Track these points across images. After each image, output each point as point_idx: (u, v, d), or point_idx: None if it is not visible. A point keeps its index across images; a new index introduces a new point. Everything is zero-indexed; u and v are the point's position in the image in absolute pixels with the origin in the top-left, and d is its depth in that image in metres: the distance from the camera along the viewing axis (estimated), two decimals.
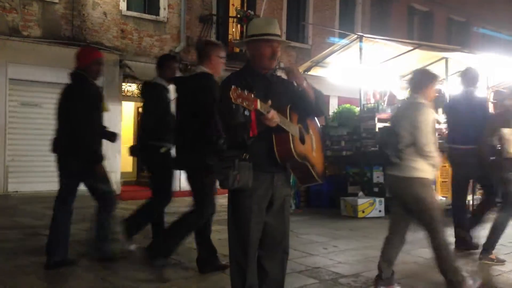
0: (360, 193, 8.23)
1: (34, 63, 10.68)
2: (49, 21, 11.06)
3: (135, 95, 12.47)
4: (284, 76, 3.03)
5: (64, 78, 11.73)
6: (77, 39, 11.35)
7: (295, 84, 2.89)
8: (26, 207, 8.76)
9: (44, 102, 10.97)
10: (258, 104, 2.43)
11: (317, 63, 11.07)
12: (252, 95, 2.42)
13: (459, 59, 9.65)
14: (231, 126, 2.69)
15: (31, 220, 7.29)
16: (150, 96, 4.97)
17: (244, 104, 2.40)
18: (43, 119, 10.91)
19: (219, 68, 4.23)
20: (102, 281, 4.08)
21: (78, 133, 4.35)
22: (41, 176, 10.77)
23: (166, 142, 4.77)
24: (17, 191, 10.37)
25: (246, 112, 2.48)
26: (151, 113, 4.91)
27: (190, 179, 4.22)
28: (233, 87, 2.41)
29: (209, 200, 4.18)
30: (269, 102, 2.56)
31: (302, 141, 2.86)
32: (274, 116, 2.53)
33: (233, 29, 13.78)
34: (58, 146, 4.60)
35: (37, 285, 3.95)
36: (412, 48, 9.91)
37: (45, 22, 11.00)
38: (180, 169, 4.48)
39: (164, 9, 12.72)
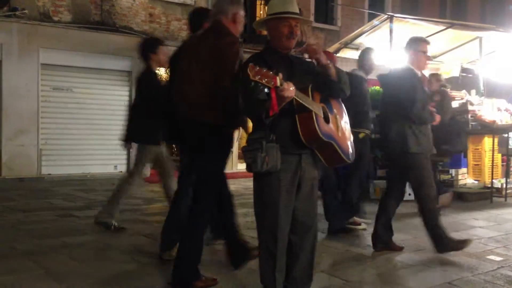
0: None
1: (65, 48, 10.84)
2: (79, 6, 11.17)
3: (163, 79, 12.52)
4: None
5: (93, 62, 11.91)
6: (106, 23, 11.46)
7: (315, 62, 2.81)
8: (58, 189, 8.97)
9: (74, 86, 11.17)
10: (278, 80, 2.38)
11: (346, 45, 10.89)
12: (271, 72, 2.37)
13: (493, 39, 9.35)
14: (250, 104, 2.65)
15: (63, 202, 7.46)
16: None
17: (263, 81, 2.35)
18: (75, 103, 11.13)
19: (422, 63, 4.59)
20: (132, 262, 4.15)
21: None
22: (73, 160, 11.02)
23: (365, 129, 5.54)
24: (50, 174, 10.62)
25: (266, 90, 2.44)
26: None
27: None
28: (250, 64, 2.37)
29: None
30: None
31: (327, 120, 2.80)
32: (290, 86, 2.46)
33: (261, 12, 13.65)
34: None
35: (70, 265, 4.04)
36: (444, 27, 9.63)
37: (75, 7, 11.13)
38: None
39: None
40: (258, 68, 2.35)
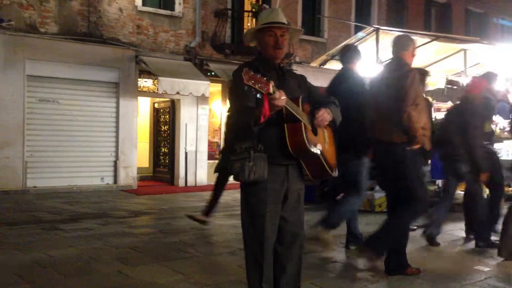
0: (377, 187, 8.15)
1: (51, 60, 10.78)
2: (65, 17, 11.14)
3: (151, 91, 12.52)
4: (299, 71, 3.00)
5: (80, 74, 11.85)
6: (94, 35, 11.43)
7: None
8: (44, 202, 8.86)
9: (61, 98, 11.09)
10: (271, 87, 2.40)
11: (333, 57, 10.97)
12: (265, 78, 2.39)
13: (478, 51, 9.48)
14: (240, 110, 2.68)
15: (49, 215, 7.37)
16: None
17: (257, 86, 2.36)
18: (61, 115, 11.04)
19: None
20: (119, 275, 4.10)
21: None
22: (59, 172, 10.91)
23: None
24: (35, 186, 10.49)
25: (259, 95, 2.46)
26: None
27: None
28: (245, 68, 2.39)
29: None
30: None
31: (315, 132, 2.82)
32: (282, 95, 2.47)
33: (248, 24, 13.73)
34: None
35: (56, 279, 3.98)
36: (429, 40, 9.75)
37: (62, 19, 11.09)
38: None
39: (180, 4, 12.73)
40: (252, 73, 2.36)
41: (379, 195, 7.80)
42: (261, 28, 2.83)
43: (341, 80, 4.95)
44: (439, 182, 8.36)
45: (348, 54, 5.17)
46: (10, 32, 10.33)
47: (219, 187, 5.99)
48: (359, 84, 4.89)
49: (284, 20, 2.87)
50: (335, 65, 11.09)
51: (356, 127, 4.46)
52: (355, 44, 10.15)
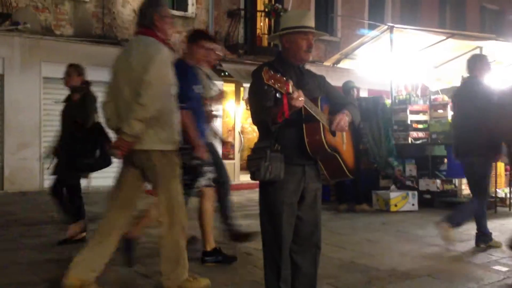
0: (392, 187, 8.11)
1: (67, 61, 10.69)
2: (80, 19, 11.25)
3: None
4: (314, 70, 3.01)
5: (95, 75, 11.95)
6: (108, 36, 11.52)
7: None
8: None
9: None
10: (290, 87, 2.41)
11: (346, 56, 10.93)
12: (284, 78, 2.40)
13: (493, 48, 9.37)
14: (258, 110, 2.70)
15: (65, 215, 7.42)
16: None
17: (276, 86, 2.38)
18: None
19: None
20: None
21: None
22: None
23: None
24: None
25: (278, 95, 2.47)
26: None
27: None
28: (265, 68, 2.40)
29: None
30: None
31: (333, 133, 2.81)
32: (300, 95, 2.48)
33: (261, 23, 13.73)
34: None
35: None
36: (445, 37, 9.67)
37: (77, 21, 11.20)
38: None
39: (192, 5, 12.77)
40: (272, 73, 2.38)
41: (395, 195, 7.76)
42: (296, 31, 2.82)
43: (467, 88, 5.39)
44: (456, 181, 8.29)
45: (474, 63, 5.37)
46: (26, 35, 10.46)
47: None
48: (484, 92, 5.14)
49: (314, 23, 2.89)
50: (349, 64, 11.07)
51: (483, 132, 4.83)
52: (369, 42, 10.12)
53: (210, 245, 4.40)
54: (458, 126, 5.33)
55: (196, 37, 4.40)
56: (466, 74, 11.01)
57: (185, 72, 4.07)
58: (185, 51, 4.47)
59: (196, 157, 3.97)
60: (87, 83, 5.36)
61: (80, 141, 5.03)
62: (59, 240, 5.20)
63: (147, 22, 3.46)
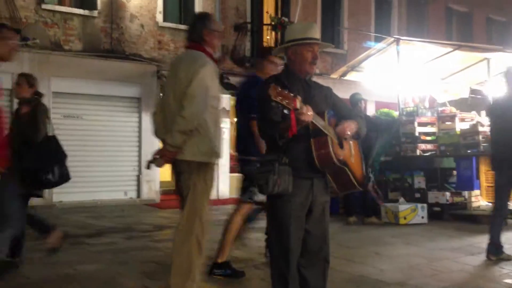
0: (401, 199, 8.06)
1: (76, 76, 10.99)
2: (89, 35, 11.36)
3: None
4: (320, 82, 3.02)
5: (104, 89, 11.99)
6: (116, 51, 11.62)
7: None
8: (69, 217, 8.97)
9: (84, 113, 11.28)
10: (298, 103, 2.41)
11: (353, 68, 10.94)
12: (292, 94, 2.40)
13: (501, 60, 9.35)
14: (265, 124, 2.70)
15: (74, 229, 7.45)
16: None
17: (284, 102, 2.39)
18: (84, 130, 11.21)
19: None
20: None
21: None
22: (84, 187, 11.03)
23: None
24: (61, 201, 10.63)
25: (286, 111, 2.48)
26: None
27: None
28: (272, 85, 2.41)
29: None
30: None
31: (341, 146, 2.81)
32: (308, 110, 2.49)
33: (268, 37, 13.80)
34: None
35: None
36: (452, 49, 9.67)
37: (86, 36, 11.32)
38: None
39: None
40: (279, 89, 2.39)
41: (404, 207, 7.71)
42: (300, 43, 2.83)
43: (505, 101, 5.41)
44: (465, 193, 8.23)
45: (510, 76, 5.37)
46: (36, 50, 10.57)
47: None
48: None
49: (319, 35, 2.90)
50: (355, 76, 11.08)
51: None
52: (376, 54, 10.14)
53: (223, 258, 4.40)
54: (495, 141, 5.36)
55: (265, 53, 4.73)
56: (474, 86, 10.99)
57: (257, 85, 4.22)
58: (256, 66, 4.80)
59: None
60: (38, 94, 4.99)
61: (35, 157, 4.55)
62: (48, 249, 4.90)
63: (197, 36, 3.57)
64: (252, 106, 3.69)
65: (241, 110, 4.56)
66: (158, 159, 3.44)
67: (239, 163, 4.59)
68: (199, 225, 3.43)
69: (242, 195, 4.46)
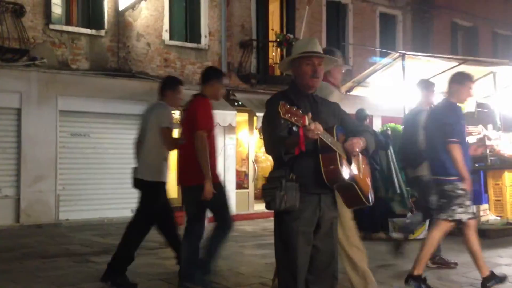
0: (409, 214, 7.98)
1: (83, 95, 11.08)
2: (96, 54, 11.48)
3: (179, 122, 12.68)
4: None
5: (110, 108, 12.08)
6: (123, 70, 11.73)
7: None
8: (75, 235, 8.96)
9: (91, 132, 11.34)
10: (307, 120, 2.42)
11: (358, 83, 10.95)
12: (300, 111, 2.41)
13: (507, 73, 9.33)
14: (272, 140, 2.71)
15: (80, 248, 7.44)
16: None
17: (293, 119, 2.40)
18: (92, 149, 11.27)
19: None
20: None
21: None
22: (90, 205, 11.05)
23: None
24: (67, 219, 10.64)
25: (295, 128, 2.48)
26: None
27: None
28: (281, 102, 2.42)
29: None
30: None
31: (349, 162, 2.80)
32: (317, 127, 2.49)
33: (273, 53, 13.89)
34: None
35: None
36: (457, 64, 9.64)
37: (93, 55, 11.43)
38: None
39: (205, 36, 12.98)
40: (288, 106, 2.40)
41: None
42: (298, 57, 2.85)
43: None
44: (474, 207, 8.13)
45: None
46: (43, 69, 10.69)
47: None
48: None
49: (321, 50, 2.91)
50: (361, 91, 11.08)
51: None
52: (381, 69, 10.15)
53: (419, 270, 4.59)
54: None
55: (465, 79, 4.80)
56: (480, 100, 10.96)
57: (454, 110, 4.57)
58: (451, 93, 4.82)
59: (461, 188, 4.35)
60: None
61: None
62: None
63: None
64: (450, 132, 4.19)
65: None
66: None
67: (435, 182, 4.66)
68: None
69: (442, 213, 4.53)
